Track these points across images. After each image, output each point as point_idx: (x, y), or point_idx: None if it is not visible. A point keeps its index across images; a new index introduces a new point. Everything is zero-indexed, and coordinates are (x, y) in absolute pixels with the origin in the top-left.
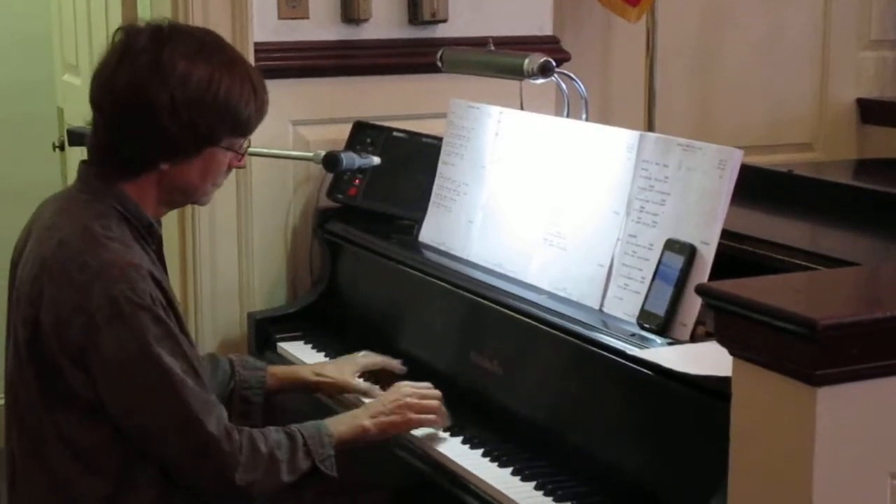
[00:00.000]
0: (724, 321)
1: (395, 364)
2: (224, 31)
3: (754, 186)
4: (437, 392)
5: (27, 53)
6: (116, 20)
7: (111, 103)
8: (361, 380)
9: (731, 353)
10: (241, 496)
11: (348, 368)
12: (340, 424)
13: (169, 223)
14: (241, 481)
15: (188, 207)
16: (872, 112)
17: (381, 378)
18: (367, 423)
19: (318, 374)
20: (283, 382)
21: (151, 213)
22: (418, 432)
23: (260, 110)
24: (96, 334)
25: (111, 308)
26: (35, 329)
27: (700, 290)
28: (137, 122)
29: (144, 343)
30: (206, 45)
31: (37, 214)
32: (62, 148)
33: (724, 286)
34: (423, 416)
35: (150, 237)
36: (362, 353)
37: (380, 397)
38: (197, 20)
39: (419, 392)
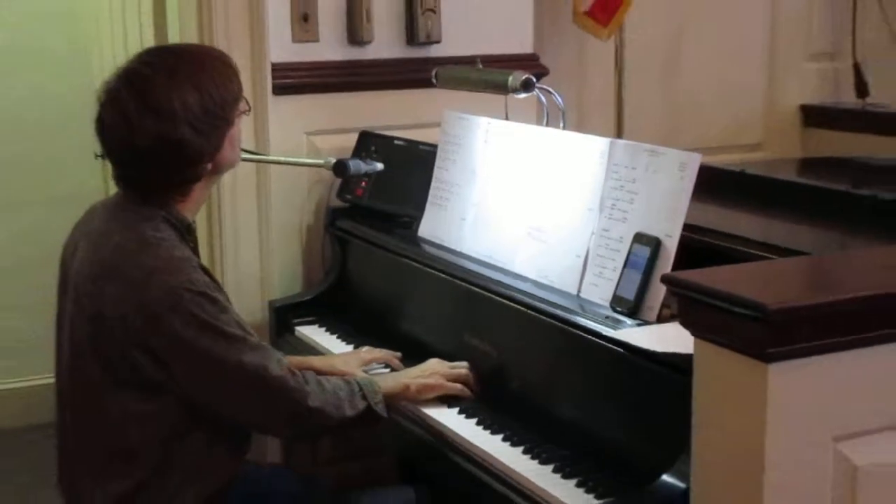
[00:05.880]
0: (686, 306)
1: (393, 359)
2: (244, 52)
3: (712, 184)
4: (465, 363)
5: (70, 69)
6: (149, 36)
7: (145, 161)
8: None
9: (693, 333)
10: (317, 423)
11: (354, 362)
12: (385, 381)
13: (198, 222)
14: (315, 404)
15: (214, 211)
16: (814, 116)
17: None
18: (407, 381)
19: (329, 366)
20: None
21: (195, 207)
22: (421, 405)
23: (237, 73)
24: (161, 323)
25: (171, 298)
26: (98, 324)
27: (665, 278)
28: (178, 161)
29: (205, 322)
30: (170, 66)
31: (85, 220)
32: (104, 157)
33: (685, 275)
34: (454, 384)
35: (189, 236)
36: (365, 348)
37: (417, 366)
38: (220, 44)
39: (448, 364)
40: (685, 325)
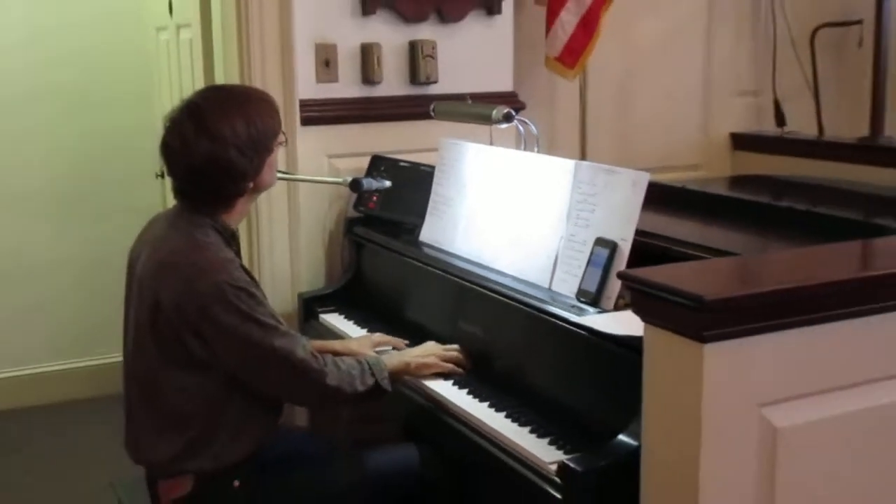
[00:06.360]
0: (637, 297)
1: (400, 342)
2: (277, 91)
3: (658, 197)
4: (457, 346)
5: (135, 104)
6: (199, 78)
7: (199, 176)
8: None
9: (643, 319)
10: (334, 396)
11: (367, 344)
12: (391, 359)
13: (240, 230)
14: (332, 382)
15: (253, 221)
16: (741, 142)
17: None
18: (408, 359)
19: (346, 347)
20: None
21: (238, 218)
22: (421, 379)
23: (278, 111)
24: (208, 312)
25: (217, 292)
26: (157, 312)
27: (620, 274)
28: (225, 178)
29: (244, 313)
30: (223, 100)
31: (148, 227)
32: (163, 176)
33: (637, 272)
34: (446, 363)
35: (233, 241)
36: (377, 333)
37: (416, 347)
38: (257, 84)
39: (443, 346)
40: (637, 312)
